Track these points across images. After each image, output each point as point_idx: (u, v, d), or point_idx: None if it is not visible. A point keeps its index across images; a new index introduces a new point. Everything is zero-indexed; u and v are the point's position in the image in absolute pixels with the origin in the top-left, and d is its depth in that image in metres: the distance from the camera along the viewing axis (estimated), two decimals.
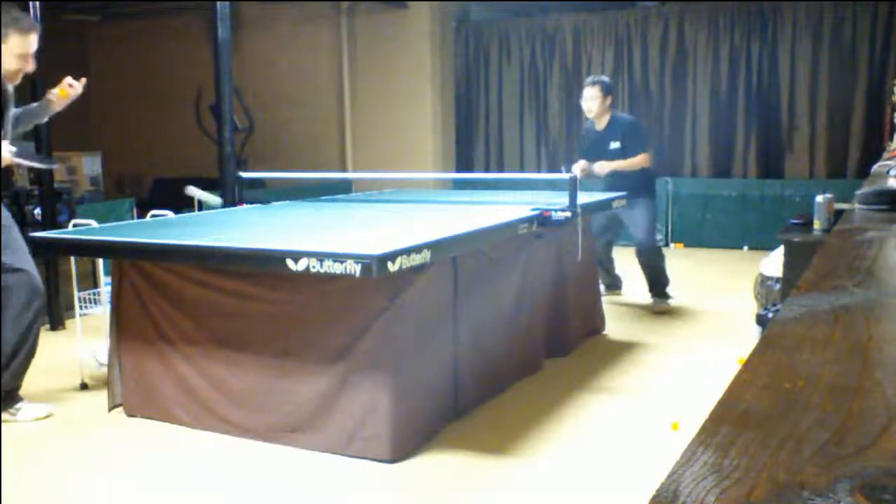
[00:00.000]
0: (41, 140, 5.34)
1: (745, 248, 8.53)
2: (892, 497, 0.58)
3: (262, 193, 7.20)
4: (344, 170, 10.00)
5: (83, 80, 4.00)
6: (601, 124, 5.88)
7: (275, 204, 5.29)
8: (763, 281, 4.42)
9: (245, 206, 5.10)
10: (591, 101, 5.80)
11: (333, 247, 3.09)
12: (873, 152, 7.93)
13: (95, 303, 4.83)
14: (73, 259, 4.74)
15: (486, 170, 10.42)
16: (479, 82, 10.48)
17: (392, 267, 2.95)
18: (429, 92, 9.59)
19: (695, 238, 8.86)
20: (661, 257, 6.01)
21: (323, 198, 6.03)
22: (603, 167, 5.72)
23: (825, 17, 8.71)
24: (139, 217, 6.08)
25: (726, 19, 9.10)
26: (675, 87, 9.39)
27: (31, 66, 3.81)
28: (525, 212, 4.20)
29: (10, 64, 3.73)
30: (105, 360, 4.13)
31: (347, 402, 3.32)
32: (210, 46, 5.13)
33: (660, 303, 5.98)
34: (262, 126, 9.72)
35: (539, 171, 9.94)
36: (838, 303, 1.20)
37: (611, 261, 6.27)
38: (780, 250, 3.99)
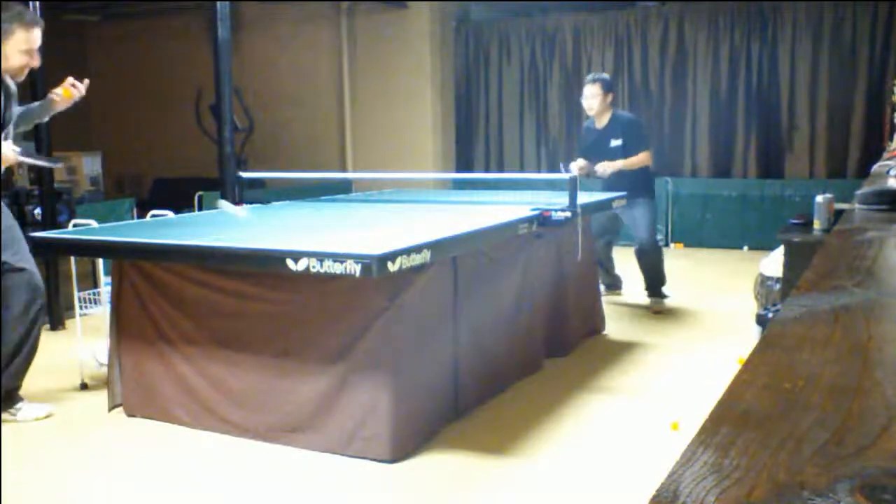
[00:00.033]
0: (41, 140, 5.34)
1: (745, 248, 8.53)
2: (892, 497, 0.58)
3: (262, 193, 7.20)
4: (344, 170, 10.00)
5: (86, 81, 3.99)
6: (602, 122, 5.86)
7: (275, 204, 5.29)
8: (763, 281, 4.42)
9: (245, 206, 5.09)
10: (592, 98, 5.78)
11: (333, 247, 3.09)
12: (873, 152, 7.93)
13: (95, 303, 4.84)
14: (73, 259, 4.74)
15: (486, 170, 10.42)
16: (479, 82, 10.48)
17: (392, 267, 2.95)
18: (429, 92, 9.59)
19: (695, 238, 8.86)
20: (661, 257, 6.02)
21: (323, 198, 6.03)
22: (606, 168, 5.69)
23: (825, 17, 8.71)
24: (139, 217, 6.08)
25: (726, 19, 9.10)
26: (675, 87, 9.39)
27: (36, 61, 3.80)
28: (525, 212, 4.20)
29: (15, 60, 3.72)
30: (105, 360, 4.13)
31: (347, 402, 3.32)
32: (210, 46, 5.13)
33: (657, 302, 5.99)
34: (262, 126, 9.73)
35: (539, 171, 9.94)
36: (838, 303, 1.20)
37: (611, 261, 6.27)
38: (780, 250, 3.99)
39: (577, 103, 6.39)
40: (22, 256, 3.84)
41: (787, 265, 3.71)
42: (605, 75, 6.04)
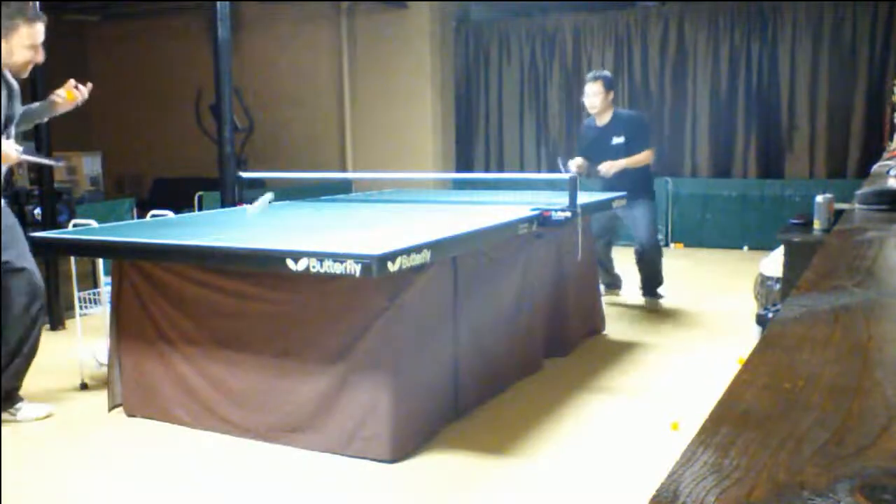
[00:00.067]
0: (41, 140, 5.34)
1: (745, 248, 8.53)
2: (892, 497, 0.58)
3: (262, 193, 7.19)
4: (344, 170, 10.00)
5: (88, 84, 3.99)
6: (603, 120, 5.85)
7: (275, 204, 5.28)
8: (763, 281, 4.42)
9: (245, 206, 5.09)
10: (594, 96, 5.77)
11: (333, 247, 3.09)
12: (873, 152, 7.93)
13: (95, 303, 4.83)
14: (73, 259, 4.74)
15: (486, 170, 10.42)
16: (479, 82, 10.48)
17: (392, 267, 2.95)
18: (429, 92, 9.59)
19: (695, 238, 8.87)
20: (660, 257, 6.01)
21: (323, 198, 6.03)
22: (609, 168, 5.68)
23: (825, 17, 8.70)
24: (139, 217, 6.08)
25: (726, 19, 9.10)
26: (675, 87, 9.39)
27: (40, 57, 3.79)
28: (525, 212, 4.20)
29: (20, 55, 3.71)
30: (105, 360, 4.13)
31: (347, 402, 3.32)
32: (210, 46, 5.13)
33: (653, 301, 5.99)
34: (262, 126, 9.72)
35: (539, 171, 9.93)
36: (838, 303, 1.20)
37: (610, 260, 6.27)
38: (780, 250, 3.99)
39: (577, 103, 6.39)
40: (23, 256, 3.84)
41: (787, 265, 3.71)
42: (607, 73, 6.02)
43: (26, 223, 5.56)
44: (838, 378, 0.87)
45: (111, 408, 3.93)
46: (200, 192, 7.10)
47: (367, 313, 3.27)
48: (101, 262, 4.70)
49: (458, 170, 10.20)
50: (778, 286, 4.08)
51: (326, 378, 3.36)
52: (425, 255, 3.15)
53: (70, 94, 3.94)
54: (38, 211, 5.78)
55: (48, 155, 5.36)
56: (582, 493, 3.07)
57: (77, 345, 4.45)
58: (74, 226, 4.65)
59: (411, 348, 3.37)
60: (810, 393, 0.82)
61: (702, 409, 0.88)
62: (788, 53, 8.88)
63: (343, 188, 8.83)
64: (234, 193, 5.17)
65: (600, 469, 3.25)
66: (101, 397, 4.03)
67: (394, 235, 3.53)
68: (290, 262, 3.02)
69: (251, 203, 4.52)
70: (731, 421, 0.75)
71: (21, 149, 3.84)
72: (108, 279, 4.14)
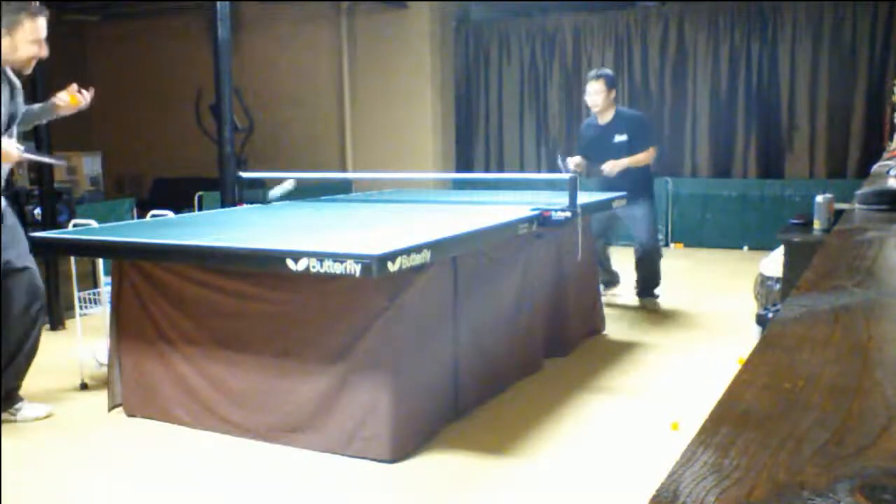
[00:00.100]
0: (41, 140, 5.34)
1: (745, 248, 8.53)
2: (892, 497, 0.58)
3: (262, 193, 7.20)
4: (344, 170, 10.00)
5: (91, 90, 3.99)
6: (605, 118, 5.83)
7: (275, 204, 5.28)
8: (763, 281, 4.42)
9: (245, 206, 5.10)
10: (596, 95, 5.76)
11: (333, 247, 3.09)
12: (873, 152, 7.93)
13: (95, 303, 4.83)
14: (73, 259, 4.74)
15: (486, 170, 10.42)
16: (479, 82, 10.48)
17: (392, 267, 2.95)
18: (429, 92, 9.59)
19: (695, 238, 8.86)
20: (660, 258, 6.01)
21: (323, 198, 6.03)
22: (613, 167, 5.66)
23: (825, 17, 8.70)
24: (139, 217, 6.08)
25: (726, 19, 9.10)
26: (675, 87, 9.39)
27: (44, 51, 3.78)
28: (525, 212, 4.20)
29: (25, 51, 3.70)
30: (105, 360, 4.13)
31: (347, 402, 3.32)
32: (210, 46, 5.13)
33: (651, 302, 5.98)
34: (262, 126, 9.72)
35: (539, 171, 9.93)
36: (838, 303, 1.20)
37: (607, 258, 6.26)
38: (780, 250, 3.99)
39: (577, 103, 6.38)
40: (23, 256, 3.84)
41: (787, 265, 3.71)
42: (609, 71, 6.01)
43: (26, 223, 5.56)
44: (838, 378, 0.87)
45: (111, 408, 3.93)
46: (200, 192, 7.10)
47: (367, 313, 3.27)
48: (101, 262, 4.70)
49: (458, 170, 10.20)
50: (778, 286, 4.08)
51: (326, 378, 3.36)
52: (425, 255, 3.15)
53: (74, 99, 3.94)
54: (38, 211, 5.78)
55: (48, 155, 5.36)
56: (582, 493, 3.07)
57: (77, 345, 4.45)
58: (74, 226, 4.65)
59: (411, 348, 3.37)
60: (810, 393, 0.82)
61: (702, 409, 0.88)
62: (788, 53, 8.88)
63: (343, 188, 8.83)
64: (234, 193, 5.17)
65: (600, 469, 3.25)
66: (101, 397, 4.03)
67: (394, 235, 3.53)
68: (290, 262, 3.02)
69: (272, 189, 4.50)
70: (731, 421, 0.75)
71: (22, 147, 3.83)
72: (108, 279, 4.14)
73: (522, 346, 4.31)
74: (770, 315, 3.17)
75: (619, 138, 5.72)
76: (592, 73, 5.89)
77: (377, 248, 2.98)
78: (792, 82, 8.91)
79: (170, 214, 4.87)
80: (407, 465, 3.26)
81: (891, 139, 6.45)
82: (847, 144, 8.79)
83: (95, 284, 4.93)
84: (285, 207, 5.12)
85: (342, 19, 9.89)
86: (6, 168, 3.82)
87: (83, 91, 3.95)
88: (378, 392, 3.26)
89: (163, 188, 10.44)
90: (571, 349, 4.83)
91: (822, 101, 8.82)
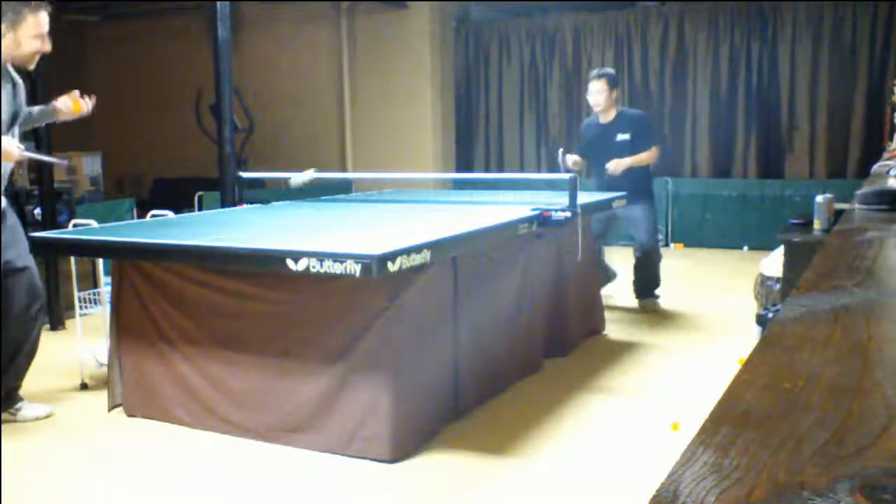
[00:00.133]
0: (41, 139, 5.34)
1: (745, 248, 8.53)
2: (892, 497, 0.58)
3: (262, 193, 7.20)
4: (344, 170, 10.00)
5: (93, 97, 3.99)
6: (607, 117, 5.82)
7: (275, 204, 5.28)
8: (763, 281, 4.42)
9: (245, 206, 5.10)
10: (598, 94, 5.76)
11: (333, 247, 3.09)
12: (873, 152, 7.93)
13: (95, 303, 4.83)
14: (73, 259, 4.74)
15: (486, 170, 10.42)
16: (479, 82, 10.48)
17: (392, 267, 2.95)
18: (429, 92, 9.59)
19: (695, 238, 8.86)
20: (659, 259, 6.00)
21: (323, 198, 6.03)
22: (616, 166, 5.64)
23: (825, 17, 8.70)
24: (139, 217, 6.08)
25: (726, 19, 9.10)
26: (675, 87, 9.39)
27: (47, 46, 3.77)
28: (525, 212, 4.20)
29: (29, 46, 3.69)
30: (105, 360, 4.13)
31: (347, 402, 3.32)
32: (210, 46, 5.13)
33: (651, 303, 5.97)
34: (262, 126, 9.72)
35: (539, 171, 9.94)
36: (838, 303, 1.20)
37: (601, 251, 6.22)
38: (780, 250, 3.99)
39: (577, 103, 6.38)
40: (23, 256, 3.84)
41: (787, 265, 3.70)
42: (611, 70, 6.01)
43: (26, 223, 5.56)
44: (838, 378, 0.87)
45: (111, 408, 3.93)
46: (200, 192, 7.10)
47: (367, 313, 3.27)
48: (101, 262, 4.70)
49: (458, 170, 10.20)
50: (778, 286, 4.08)
51: (326, 378, 3.36)
52: (425, 255, 3.15)
53: (76, 105, 3.94)
54: (38, 211, 5.78)
55: (49, 154, 5.36)
56: (582, 493, 3.07)
57: (77, 345, 4.45)
58: (74, 226, 4.65)
59: (411, 348, 3.37)
60: (810, 393, 0.82)
61: (702, 409, 0.88)
62: (788, 53, 8.88)
63: (343, 188, 8.83)
64: (234, 193, 5.17)
65: (600, 469, 3.25)
66: (101, 397, 4.03)
67: (394, 235, 3.53)
68: (290, 262, 3.02)
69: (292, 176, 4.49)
70: (731, 421, 0.75)
71: (23, 146, 3.83)
72: (108, 279, 4.14)
73: (522, 346, 4.31)
74: (770, 315, 3.17)
75: (622, 137, 5.72)
76: (594, 72, 5.89)
77: (377, 248, 2.98)
78: (792, 82, 8.91)
79: (170, 214, 4.86)
80: (407, 465, 3.26)
81: (891, 139, 6.45)
82: (847, 144, 8.79)
83: (95, 284, 4.93)
84: (285, 207, 5.12)
85: (342, 19, 9.89)
86: (7, 167, 3.82)
87: (85, 97, 3.95)
88: (378, 392, 3.26)
89: (163, 188, 10.44)
90: (571, 349, 4.83)
91: (822, 101, 8.82)
